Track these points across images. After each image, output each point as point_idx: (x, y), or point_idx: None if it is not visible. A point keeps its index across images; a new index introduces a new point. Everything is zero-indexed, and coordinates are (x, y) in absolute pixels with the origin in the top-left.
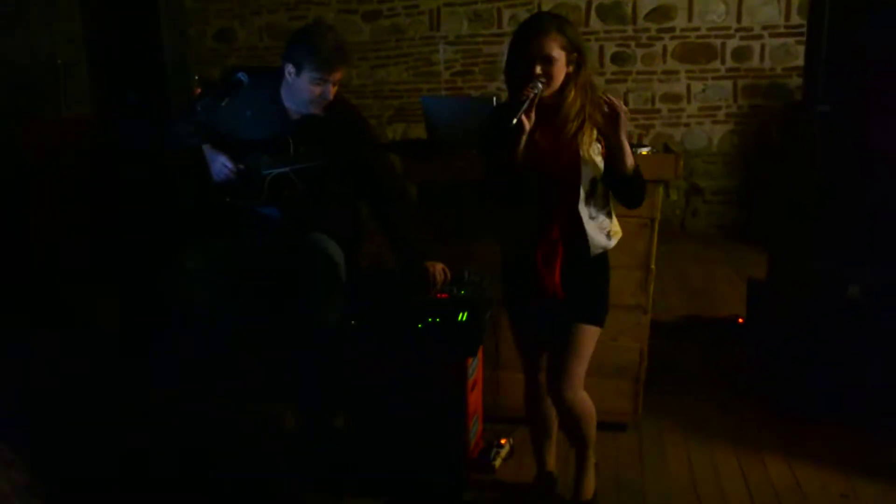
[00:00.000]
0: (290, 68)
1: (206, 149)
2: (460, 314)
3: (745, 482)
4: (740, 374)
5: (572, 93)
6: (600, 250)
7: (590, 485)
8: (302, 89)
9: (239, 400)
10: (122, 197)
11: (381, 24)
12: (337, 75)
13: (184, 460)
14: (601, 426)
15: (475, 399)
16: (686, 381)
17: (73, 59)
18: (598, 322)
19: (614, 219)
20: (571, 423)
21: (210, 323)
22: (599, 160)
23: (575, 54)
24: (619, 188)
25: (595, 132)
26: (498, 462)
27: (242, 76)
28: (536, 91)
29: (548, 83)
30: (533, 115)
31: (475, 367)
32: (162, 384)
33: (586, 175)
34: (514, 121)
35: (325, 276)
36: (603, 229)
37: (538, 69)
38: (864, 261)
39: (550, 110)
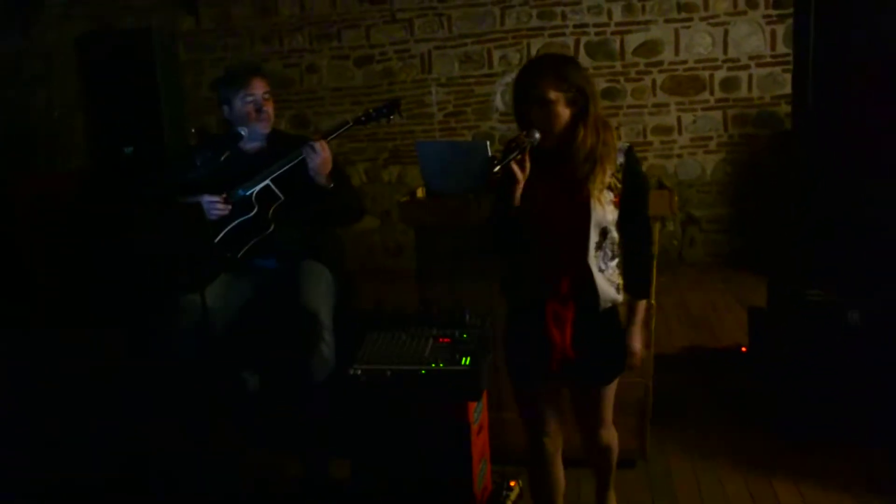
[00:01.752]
0: (225, 109)
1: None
2: (463, 359)
3: None
4: (746, 403)
5: (582, 133)
6: (610, 304)
7: None
8: (241, 115)
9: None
10: (118, 250)
11: (372, 69)
12: (258, 86)
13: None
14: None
15: (482, 442)
16: (692, 413)
17: (69, 113)
18: (620, 372)
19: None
20: (605, 458)
21: (202, 376)
22: (611, 208)
23: (577, 94)
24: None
25: (607, 177)
26: None
27: (242, 130)
28: (532, 140)
29: (547, 128)
30: (528, 164)
31: (480, 411)
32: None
33: (596, 223)
34: (497, 168)
35: (314, 334)
36: (613, 282)
37: (534, 114)
38: (864, 287)
39: (559, 155)
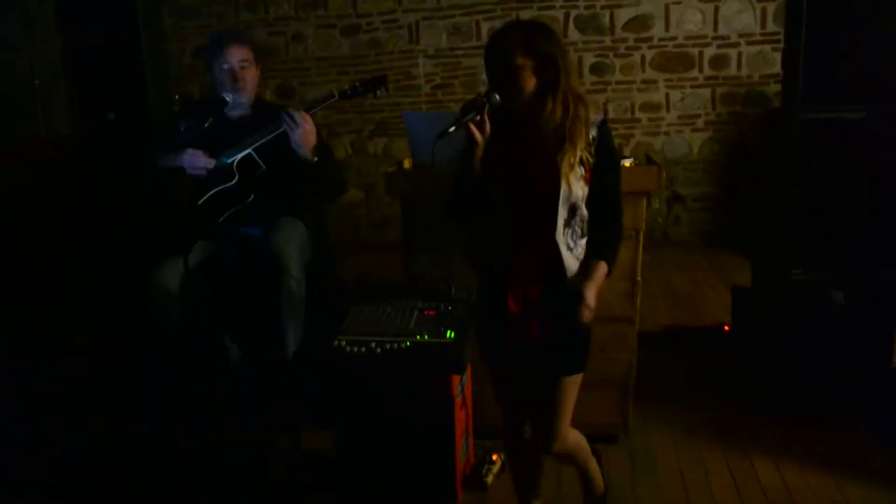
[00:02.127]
0: (209, 75)
1: (169, 155)
2: (448, 332)
3: (736, 490)
4: (728, 381)
5: (549, 105)
6: (580, 289)
7: (599, 482)
8: (218, 82)
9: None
10: (103, 216)
11: (360, 39)
12: (235, 53)
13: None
14: (592, 439)
15: (465, 415)
16: (674, 390)
17: (50, 79)
18: (581, 369)
19: None
20: (568, 462)
21: (187, 340)
22: (582, 184)
23: (546, 63)
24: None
25: (579, 153)
26: (490, 478)
27: (227, 96)
28: (489, 99)
29: (510, 94)
30: (488, 127)
31: (464, 384)
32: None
33: (564, 199)
34: (451, 129)
35: (290, 307)
36: (576, 257)
37: (499, 78)
38: (848, 267)
39: (528, 127)
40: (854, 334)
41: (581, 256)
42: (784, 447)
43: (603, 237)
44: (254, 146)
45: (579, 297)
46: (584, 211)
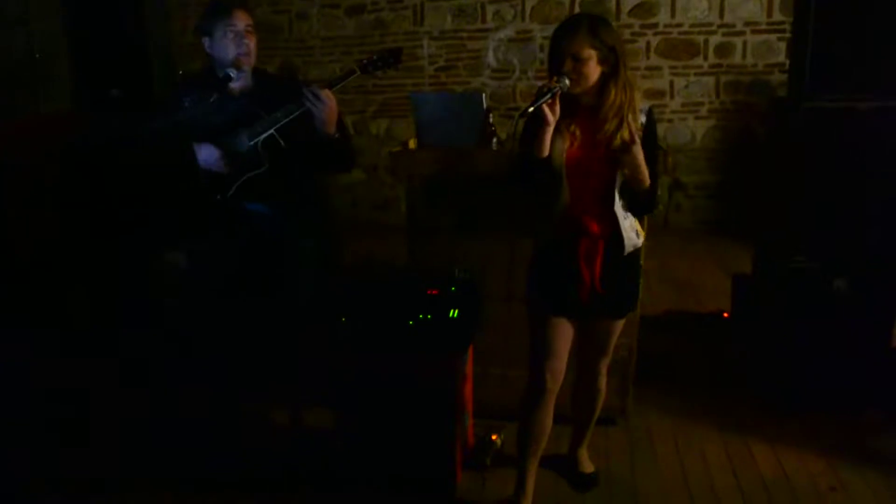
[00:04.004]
0: (206, 41)
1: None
2: (451, 311)
3: (734, 475)
4: (727, 367)
5: (612, 92)
6: (632, 248)
7: (589, 460)
8: (220, 46)
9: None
10: (105, 196)
11: (364, 19)
12: (241, 19)
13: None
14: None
15: (466, 395)
16: (674, 375)
17: (50, 55)
18: (631, 311)
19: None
20: (593, 401)
21: (196, 319)
22: None
23: (609, 53)
24: (632, 199)
25: (628, 132)
26: (488, 459)
27: (231, 72)
28: (561, 85)
29: (578, 81)
30: (558, 109)
31: (465, 363)
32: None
33: (622, 176)
34: (530, 108)
35: (297, 287)
36: (633, 228)
37: (568, 66)
38: (850, 255)
39: (589, 111)
40: (855, 322)
41: (633, 225)
42: (782, 433)
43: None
44: (276, 126)
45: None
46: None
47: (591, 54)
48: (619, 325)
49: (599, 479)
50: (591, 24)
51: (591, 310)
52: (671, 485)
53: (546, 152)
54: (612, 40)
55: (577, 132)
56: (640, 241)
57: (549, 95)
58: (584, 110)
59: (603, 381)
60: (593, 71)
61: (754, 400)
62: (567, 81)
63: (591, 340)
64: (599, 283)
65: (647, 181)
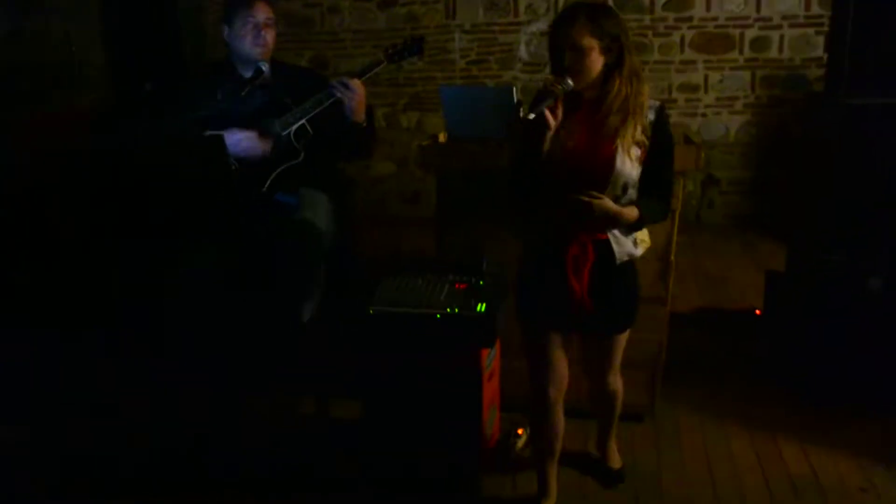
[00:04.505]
0: (225, 29)
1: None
2: (478, 305)
3: (762, 473)
4: (757, 365)
5: (616, 83)
6: (626, 258)
7: (617, 455)
8: (238, 36)
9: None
10: (136, 190)
11: (396, 13)
12: (262, 9)
13: (190, 452)
14: (619, 417)
15: (492, 389)
16: (703, 371)
17: (86, 48)
18: (629, 327)
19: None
20: (610, 404)
21: (216, 316)
22: (636, 165)
23: (611, 43)
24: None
25: (639, 130)
26: (514, 452)
27: (263, 66)
28: (565, 87)
29: (580, 74)
30: (560, 112)
31: (493, 357)
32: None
33: (618, 177)
34: (532, 115)
35: (307, 274)
36: (632, 236)
37: (567, 61)
38: (886, 253)
39: (591, 104)
40: (889, 320)
41: (627, 235)
42: (812, 433)
43: (647, 199)
44: (307, 116)
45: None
46: (633, 192)
47: (591, 44)
48: (619, 339)
49: (626, 474)
50: (591, 12)
51: (584, 323)
52: (697, 482)
53: (541, 156)
54: (614, 28)
55: (579, 128)
56: (637, 252)
57: (551, 99)
58: (586, 104)
59: (615, 384)
60: (595, 62)
61: (784, 397)
62: (570, 82)
63: (592, 355)
64: (587, 294)
65: (634, 218)
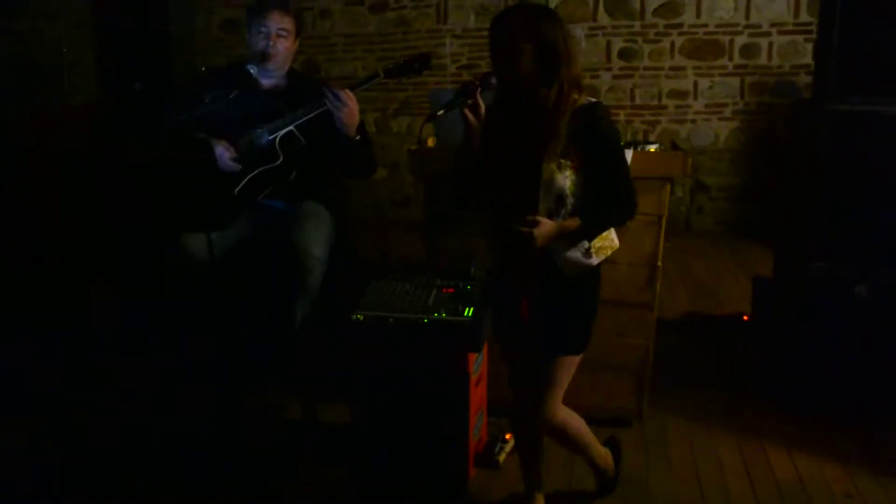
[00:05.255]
0: (248, 37)
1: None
2: (466, 310)
3: (749, 480)
4: (745, 371)
5: (543, 92)
6: (578, 270)
7: (606, 466)
8: (251, 45)
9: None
10: (125, 187)
11: (387, 17)
12: (275, 19)
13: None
14: (606, 423)
15: (480, 394)
16: (690, 377)
17: (78, 47)
18: (577, 351)
19: (605, 233)
20: (562, 441)
21: (207, 311)
22: (569, 174)
23: (546, 50)
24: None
25: (563, 140)
26: (502, 457)
27: (252, 69)
28: (483, 83)
29: (506, 77)
30: (482, 110)
31: (480, 362)
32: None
33: (548, 191)
34: (440, 112)
35: (303, 280)
36: (578, 247)
37: (498, 60)
38: (872, 260)
39: (520, 112)
40: (876, 328)
41: (576, 244)
42: (799, 439)
43: (598, 208)
44: (296, 123)
45: (530, 221)
46: (573, 200)
47: (523, 48)
48: (564, 363)
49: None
50: (530, 15)
51: (523, 341)
52: (685, 487)
53: (472, 158)
54: (552, 35)
55: (507, 137)
56: (592, 261)
57: (465, 96)
58: (515, 112)
59: (558, 421)
60: (525, 67)
61: (771, 404)
62: (493, 80)
63: (530, 375)
64: (527, 312)
65: (573, 228)
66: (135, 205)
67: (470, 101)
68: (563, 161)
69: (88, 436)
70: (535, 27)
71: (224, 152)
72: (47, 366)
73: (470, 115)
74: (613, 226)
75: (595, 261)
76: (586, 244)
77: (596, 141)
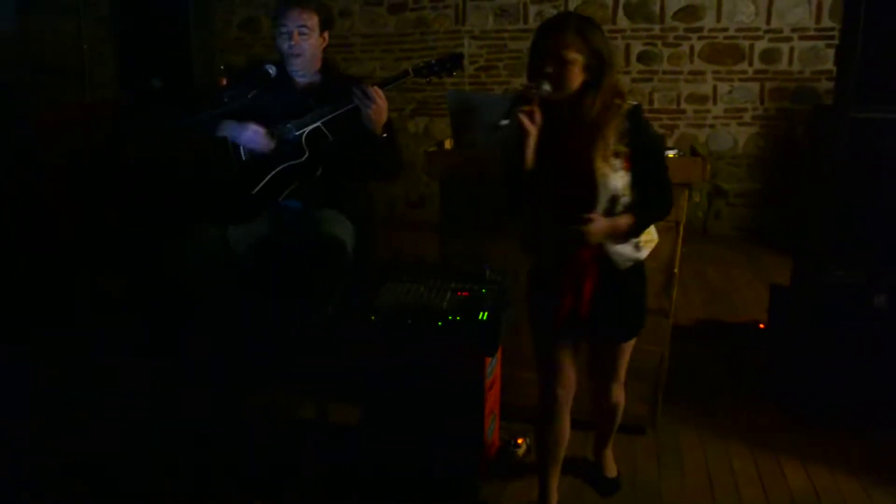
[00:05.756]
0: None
1: (231, 126)
2: (481, 313)
3: (762, 489)
4: (760, 379)
5: (590, 99)
6: (630, 263)
7: (613, 464)
8: (278, 45)
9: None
10: (142, 184)
11: (406, 17)
12: (293, 18)
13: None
14: (620, 429)
15: (493, 398)
16: (705, 385)
17: (97, 45)
18: (634, 335)
19: (650, 228)
20: (611, 415)
21: (224, 306)
22: (621, 174)
23: (593, 60)
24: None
25: (612, 146)
26: (514, 461)
27: (270, 68)
28: (538, 91)
29: (559, 86)
30: (539, 117)
31: (494, 366)
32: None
33: (604, 190)
34: (504, 121)
35: (331, 273)
36: (630, 243)
37: (549, 69)
38: (891, 269)
39: (568, 118)
40: (894, 338)
41: (625, 242)
42: (814, 450)
43: (645, 205)
44: (323, 119)
45: (586, 220)
46: (626, 199)
47: (575, 58)
48: (624, 348)
49: (622, 483)
50: (580, 26)
51: (588, 331)
52: (698, 495)
53: (530, 165)
54: (599, 45)
55: (558, 144)
56: (642, 254)
57: (523, 104)
58: (563, 119)
59: (618, 396)
60: (576, 76)
61: (786, 414)
62: (547, 87)
63: (596, 362)
64: (589, 304)
65: (629, 226)
66: (148, 200)
67: (528, 109)
68: (614, 161)
69: (88, 436)
70: (586, 38)
71: (257, 131)
72: (47, 366)
73: (527, 123)
74: (656, 221)
75: (644, 253)
76: (636, 240)
77: (642, 141)
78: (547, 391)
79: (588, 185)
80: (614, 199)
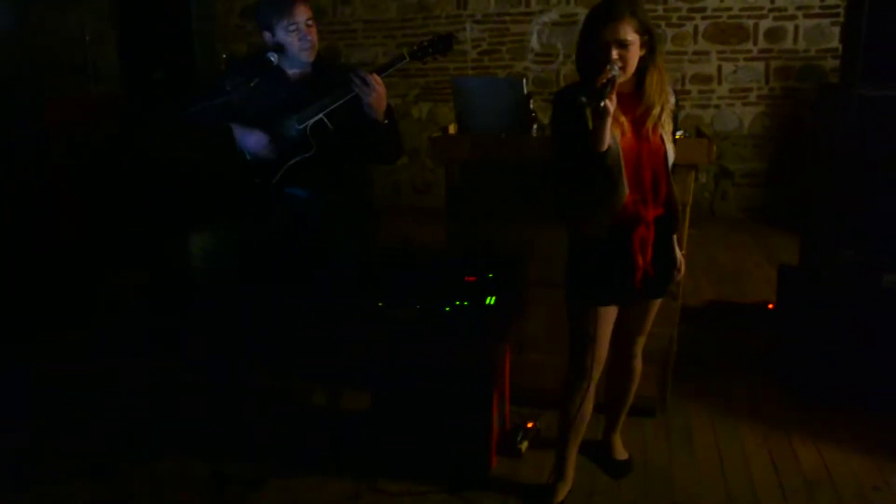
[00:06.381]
0: (267, 35)
1: (236, 128)
2: (488, 298)
3: (774, 469)
4: (770, 360)
5: (654, 76)
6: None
7: (622, 447)
8: (287, 44)
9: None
10: (146, 176)
11: (407, 2)
12: (301, 12)
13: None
14: (630, 411)
15: (503, 382)
16: (714, 366)
17: (100, 36)
18: (670, 283)
19: None
20: (629, 382)
21: (226, 297)
22: (672, 147)
23: (647, 37)
24: None
25: (669, 116)
26: (524, 446)
27: (272, 56)
28: (615, 73)
29: (624, 70)
30: (615, 98)
31: (503, 351)
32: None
33: (670, 159)
34: (603, 103)
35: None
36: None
37: (615, 54)
38: None
39: (629, 98)
40: None
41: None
42: (826, 430)
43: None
44: (325, 111)
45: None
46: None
47: (634, 39)
48: (657, 304)
49: (633, 465)
50: (633, 7)
51: (641, 293)
52: (708, 477)
53: (605, 146)
54: (649, 22)
55: (626, 122)
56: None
57: (608, 86)
58: (625, 98)
59: (638, 363)
60: (636, 56)
61: (797, 394)
62: (618, 70)
63: (630, 322)
64: (651, 267)
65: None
66: (157, 197)
67: (603, 105)
68: (671, 137)
69: (88, 436)
70: (639, 16)
71: (261, 139)
72: (47, 366)
73: (610, 104)
74: None
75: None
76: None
77: (678, 119)
78: (581, 368)
79: (661, 153)
80: (674, 169)
